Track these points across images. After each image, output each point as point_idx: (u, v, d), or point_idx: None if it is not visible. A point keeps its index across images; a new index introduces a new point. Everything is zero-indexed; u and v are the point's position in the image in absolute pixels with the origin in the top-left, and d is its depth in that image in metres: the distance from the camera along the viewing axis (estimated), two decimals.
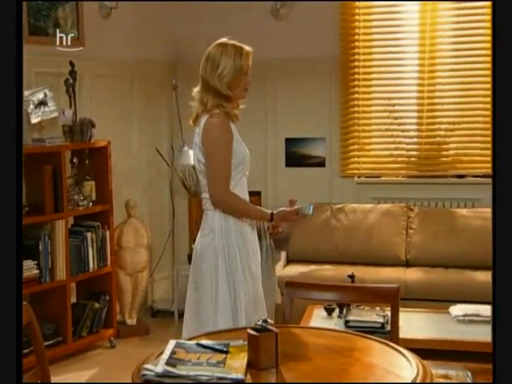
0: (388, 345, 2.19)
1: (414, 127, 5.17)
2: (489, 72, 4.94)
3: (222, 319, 2.75)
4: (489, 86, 4.96)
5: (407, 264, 4.74)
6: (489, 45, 4.93)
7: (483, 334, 3.35)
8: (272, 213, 2.84)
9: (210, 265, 2.78)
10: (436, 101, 5.09)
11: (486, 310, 3.60)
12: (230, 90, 2.76)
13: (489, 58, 4.94)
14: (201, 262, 2.82)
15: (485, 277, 4.35)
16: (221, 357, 1.92)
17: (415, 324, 3.57)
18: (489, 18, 4.93)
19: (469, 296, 4.11)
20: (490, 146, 4.96)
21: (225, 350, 1.97)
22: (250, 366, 1.92)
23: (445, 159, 5.14)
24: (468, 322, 3.53)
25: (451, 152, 5.13)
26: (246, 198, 2.87)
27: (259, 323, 1.98)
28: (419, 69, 5.07)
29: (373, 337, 2.29)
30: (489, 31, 4.92)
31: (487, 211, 4.78)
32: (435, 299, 4.24)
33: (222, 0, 5.12)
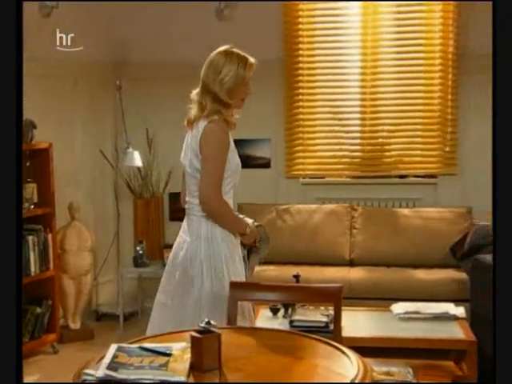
0: (330, 344, 2.22)
1: (358, 128, 5.25)
2: (429, 74, 5.07)
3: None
4: (429, 88, 5.09)
5: (351, 263, 4.81)
6: (429, 48, 5.05)
7: (423, 331, 3.44)
8: (247, 228, 2.85)
9: (197, 272, 2.76)
10: (378, 103, 5.18)
11: (426, 307, 3.69)
12: (229, 98, 2.75)
13: (429, 61, 5.06)
14: (185, 269, 2.79)
15: (425, 275, 4.46)
16: (164, 360, 1.91)
17: (358, 322, 3.63)
18: (428, 21, 5.05)
19: (410, 294, 4.20)
20: (430, 146, 5.12)
21: (168, 352, 1.96)
22: (193, 368, 1.91)
23: (387, 160, 5.24)
24: (409, 319, 3.60)
25: (393, 153, 5.23)
26: (232, 205, 2.87)
27: (202, 325, 1.98)
28: (362, 71, 5.15)
29: (316, 336, 2.31)
30: (428, 35, 5.04)
31: (428, 211, 4.90)
32: (378, 298, 4.31)
33: (167, 0, 5.09)
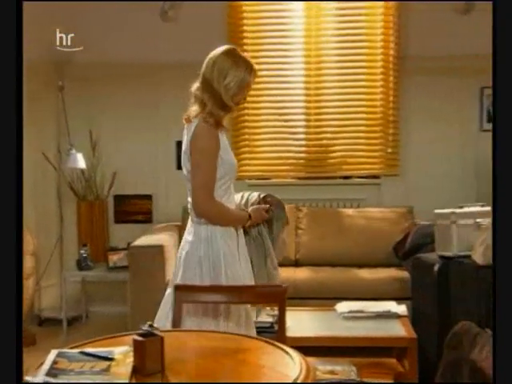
0: (274, 344, 2.23)
1: (302, 130, 5.30)
2: (372, 77, 5.15)
3: (204, 324, 2.75)
4: (371, 90, 5.17)
5: (296, 264, 4.84)
6: (371, 50, 5.14)
7: (367, 330, 3.50)
8: (249, 214, 2.87)
9: (195, 274, 2.76)
10: (322, 104, 5.24)
11: (369, 306, 3.75)
12: (232, 101, 2.74)
13: (371, 63, 5.15)
14: (184, 270, 2.79)
15: (369, 274, 4.53)
16: (105, 364, 1.88)
17: (303, 322, 3.66)
18: (369, 24, 5.13)
19: (354, 293, 4.26)
20: (373, 148, 5.20)
21: (109, 357, 1.94)
22: (136, 371, 1.90)
23: (331, 161, 5.30)
24: (353, 318, 3.66)
25: (337, 154, 5.30)
26: (233, 203, 2.86)
27: (144, 328, 1.96)
28: (306, 73, 5.20)
29: (260, 337, 2.32)
30: (370, 37, 5.13)
31: (371, 211, 4.99)
32: (323, 297, 4.35)
33: (110, 0, 5.03)
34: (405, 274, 4.35)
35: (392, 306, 3.74)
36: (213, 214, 2.76)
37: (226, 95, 2.71)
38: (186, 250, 2.82)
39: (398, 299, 4.00)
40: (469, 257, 3.51)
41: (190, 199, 2.80)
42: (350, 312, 3.69)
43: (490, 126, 5.06)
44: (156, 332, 1.96)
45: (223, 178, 2.75)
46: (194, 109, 2.77)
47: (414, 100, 5.12)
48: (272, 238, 3.00)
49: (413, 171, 5.13)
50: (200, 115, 2.73)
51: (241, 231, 2.89)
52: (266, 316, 3.55)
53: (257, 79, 5.14)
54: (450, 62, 5.03)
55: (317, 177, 5.31)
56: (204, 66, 2.79)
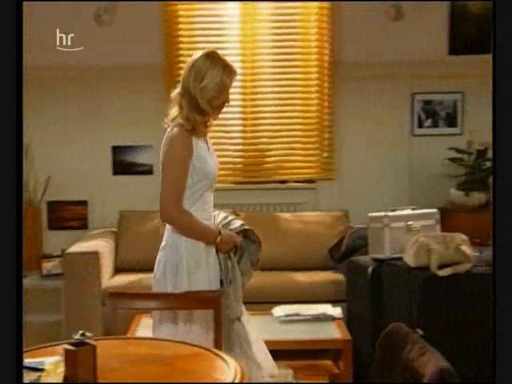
0: (209, 350, 2.24)
1: (239, 135, 5.32)
2: (307, 82, 5.22)
3: (163, 330, 2.73)
4: (307, 95, 5.24)
5: None
6: (305, 56, 5.21)
7: (303, 333, 3.54)
8: (219, 235, 2.76)
9: (160, 278, 2.76)
10: (258, 109, 5.27)
11: (305, 309, 3.80)
12: (209, 105, 2.67)
13: (306, 69, 5.22)
14: (155, 274, 2.81)
15: (305, 277, 4.58)
16: (35, 375, 1.85)
17: None
18: (304, 30, 5.20)
19: (291, 296, 4.30)
20: (309, 152, 5.27)
21: (40, 367, 1.91)
22: (67, 381, 1.87)
23: (268, 166, 5.33)
24: (289, 321, 3.69)
25: (274, 159, 5.34)
26: (207, 213, 2.79)
27: (76, 337, 1.94)
28: (242, 78, 5.21)
29: (194, 343, 2.33)
30: (304, 43, 5.19)
31: (307, 215, 5.05)
32: (261, 301, 4.35)
33: (46, 0, 4.93)
34: (340, 276, 4.42)
35: (328, 309, 3.80)
36: (177, 221, 2.71)
37: (203, 99, 2.65)
38: (158, 257, 2.83)
39: (334, 302, 4.06)
40: (401, 259, 3.60)
41: None
42: (287, 316, 3.73)
43: (420, 131, 5.21)
44: (88, 341, 1.93)
45: (195, 186, 2.70)
46: (171, 113, 2.74)
47: (348, 105, 5.21)
48: (229, 273, 2.88)
49: (348, 175, 5.22)
50: (176, 120, 2.69)
51: (212, 246, 2.79)
52: None
53: None
54: (382, 67, 5.14)
55: (254, 181, 5.34)
56: (184, 70, 2.77)
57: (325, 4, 5.09)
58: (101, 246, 4.59)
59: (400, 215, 3.79)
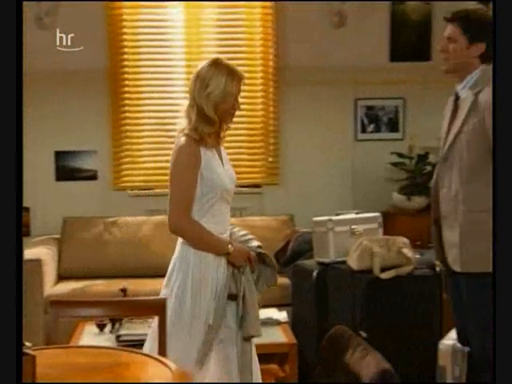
0: (153, 357, 2.23)
1: None
2: (252, 87, 5.24)
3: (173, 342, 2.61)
4: (252, 100, 5.26)
5: None
6: (251, 61, 5.23)
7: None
8: (230, 248, 2.69)
9: (167, 288, 2.73)
10: None
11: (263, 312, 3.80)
12: (216, 113, 2.63)
13: (251, 74, 5.24)
14: (164, 284, 2.77)
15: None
16: None
17: None
18: (248, 36, 5.22)
19: None
20: (255, 157, 5.29)
21: None
22: None
23: None
24: None
25: None
26: (220, 226, 2.71)
27: None
28: (187, 83, 5.18)
29: (137, 350, 2.31)
30: (249, 49, 5.22)
31: (254, 219, 5.06)
32: None
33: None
34: (286, 280, 4.44)
35: (273, 313, 3.82)
36: (186, 232, 2.66)
37: (208, 106, 2.62)
38: (170, 265, 2.77)
39: (280, 306, 4.09)
40: (345, 262, 3.65)
41: None
42: None
43: (363, 136, 5.30)
44: (27, 351, 1.90)
45: (204, 197, 2.65)
46: (181, 124, 2.71)
47: (293, 110, 5.26)
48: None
49: (293, 180, 5.26)
50: (184, 130, 2.66)
51: (222, 259, 2.70)
52: (149, 328, 3.51)
53: (138, 89, 5.19)
54: (326, 73, 5.21)
55: None
56: (190, 81, 2.73)
57: (269, 10, 5.13)
58: (43, 253, 4.51)
59: (344, 219, 3.84)
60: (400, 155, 5.00)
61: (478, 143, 2.87)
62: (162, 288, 2.79)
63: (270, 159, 5.30)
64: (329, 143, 5.30)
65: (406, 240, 3.65)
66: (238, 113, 5.14)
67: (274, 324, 3.72)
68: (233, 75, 2.69)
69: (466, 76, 2.92)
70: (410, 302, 3.49)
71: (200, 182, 2.63)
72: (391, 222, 4.96)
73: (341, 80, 5.23)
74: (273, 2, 5.12)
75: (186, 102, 2.72)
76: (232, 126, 5.16)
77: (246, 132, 5.31)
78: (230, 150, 5.28)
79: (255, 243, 2.84)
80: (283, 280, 4.51)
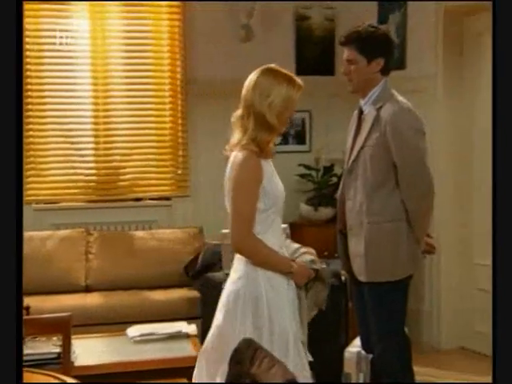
0: (54, 376, 2.17)
1: (91, 152, 5.20)
2: (160, 100, 5.23)
3: None
4: (161, 113, 5.24)
5: (87, 289, 4.72)
6: (158, 74, 5.21)
7: (159, 351, 3.51)
8: (293, 266, 2.61)
9: (232, 310, 2.57)
10: (111, 126, 5.19)
11: (161, 327, 3.77)
12: (278, 121, 2.56)
13: (159, 86, 5.22)
14: (223, 306, 2.63)
15: (161, 295, 4.56)
16: None
17: (94, 349, 3.57)
18: (156, 48, 5.20)
19: (148, 315, 4.27)
20: (164, 169, 5.26)
21: None
22: None
23: (122, 183, 5.26)
24: (144, 341, 3.65)
25: (128, 176, 5.27)
26: (280, 241, 2.65)
27: None
28: (93, 94, 5.12)
29: (41, 370, 2.25)
30: (157, 61, 5.20)
31: (163, 232, 5.03)
32: (116, 322, 4.29)
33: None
34: (196, 293, 4.44)
35: (183, 327, 3.79)
36: (251, 251, 2.57)
37: (271, 114, 2.54)
38: (229, 289, 2.62)
39: (190, 319, 4.08)
40: None
41: None
42: (142, 335, 3.68)
43: (289, 148, 5.34)
44: None
45: (267, 210, 2.56)
46: (236, 137, 2.59)
47: (202, 122, 5.27)
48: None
49: (203, 192, 5.26)
50: (240, 143, 2.55)
51: (287, 278, 2.63)
52: (53, 346, 3.41)
53: (41, 100, 5.06)
54: (235, 86, 5.23)
55: (107, 199, 5.24)
56: (244, 90, 2.64)
57: (177, 22, 5.13)
58: None
59: None
60: (307, 167, 5.10)
61: (381, 157, 2.99)
62: (220, 309, 2.67)
63: (180, 171, 5.29)
64: None
65: (312, 250, 3.72)
66: (145, 125, 5.23)
67: (184, 337, 3.70)
68: (293, 82, 2.63)
69: (369, 91, 3.04)
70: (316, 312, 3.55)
71: (263, 195, 2.54)
72: (299, 232, 5.05)
73: None
74: (181, 14, 5.12)
75: (236, 114, 2.63)
76: (140, 138, 5.23)
77: (154, 144, 5.28)
78: (139, 163, 5.28)
79: (308, 258, 2.79)
80: (193, 293, 4.51)
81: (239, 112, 2.62)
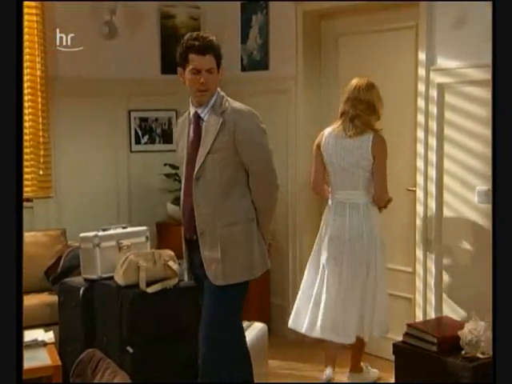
0: None
1: None
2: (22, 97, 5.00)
3: None
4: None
5: None
6: None
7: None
8: None
9: (369, 251, 3.78)
10: None
11: None
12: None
13: None
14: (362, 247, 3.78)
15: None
16: None
17: None
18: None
19: None
20: (25, 170, 5.02)
21: None
22: None
23: None
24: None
25: None
26: None
27: None
28: None
29: None
30: None
31: (24, 235, 4.82)
32: None
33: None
34: (55, 298, 4.31)
35: (39, 334, 3.69)
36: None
37: (381, 109, 3.82)
38: (361, 230, 3.83)
39: (50, 325, 3.96)
40: (112, 278, 3.63)
41: (342, 190, 3.80)
42: None
43: (138, 148, 5.31)
44: None
45: None
46: (359, 126, 3.74)
47: (66, 122, 5.10)
48: None
49: (66, 193, 5.11)
50: (371, 129, 3.75)
51: None
52: None
53: None
54: (100, 84, 5.14)
55: None
56: (365, 93, 3.78)
57: (35, 17, 4.93)
58: None
59: (110, 234, 3.82)
60: (173, 166, 5.08)
61: (230, 159, 3.03)
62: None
63: (41, 172, 5.09)
64: (103, 155, 5.24)
65: (171, 253, 3.72)
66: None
67: (40, 345, 3.59)
68: None
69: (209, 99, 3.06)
70: (175, 314, 3.56)
71: None
72: (167, 231, 5.04)
73: (114, 91, 5.20)
74: (39, 9, 4.93)
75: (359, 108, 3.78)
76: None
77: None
78: None
79: None
80: (53, 298, 4.37)
81: (359, 109, 3.86)
